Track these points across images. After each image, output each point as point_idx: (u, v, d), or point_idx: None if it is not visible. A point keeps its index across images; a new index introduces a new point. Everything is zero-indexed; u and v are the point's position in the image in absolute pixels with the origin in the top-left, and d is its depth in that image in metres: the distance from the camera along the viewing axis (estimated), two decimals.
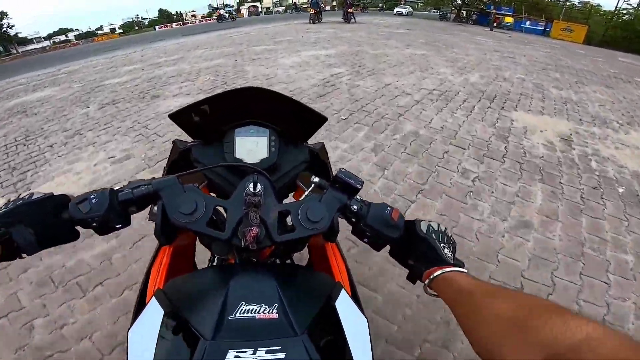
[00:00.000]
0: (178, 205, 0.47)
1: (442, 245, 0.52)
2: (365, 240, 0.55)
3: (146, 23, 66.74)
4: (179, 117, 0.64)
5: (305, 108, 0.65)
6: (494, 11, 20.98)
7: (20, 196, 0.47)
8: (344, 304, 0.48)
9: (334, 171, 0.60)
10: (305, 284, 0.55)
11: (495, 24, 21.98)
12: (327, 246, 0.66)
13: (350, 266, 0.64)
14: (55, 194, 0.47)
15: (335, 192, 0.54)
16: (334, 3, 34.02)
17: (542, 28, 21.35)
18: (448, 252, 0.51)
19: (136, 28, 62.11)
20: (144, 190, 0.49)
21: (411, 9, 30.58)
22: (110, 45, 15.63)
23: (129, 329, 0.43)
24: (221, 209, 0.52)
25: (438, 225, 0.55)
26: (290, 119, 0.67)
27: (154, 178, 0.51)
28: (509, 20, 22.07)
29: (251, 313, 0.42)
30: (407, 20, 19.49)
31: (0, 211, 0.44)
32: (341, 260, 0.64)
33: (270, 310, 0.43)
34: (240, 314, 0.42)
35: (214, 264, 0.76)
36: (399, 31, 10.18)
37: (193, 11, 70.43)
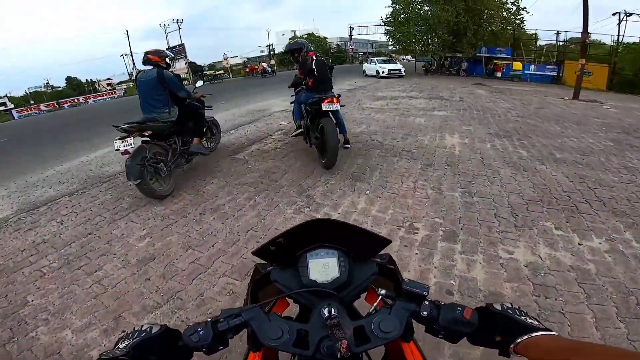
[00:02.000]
0: (266, 332, 0.57)
1: (522, 317, 0.54)
2: (440, 336, 0.60)
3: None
4: (261, 252, 0.73)
5: (368, 233, 0.72)
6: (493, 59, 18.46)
7: (143, 328, 0.58)
8: None
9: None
10: None
11: (496, 72, 19.25)
12: (404, 345, 0.67)
13: None
14: (168, 325, 0.59)
15: (404, 302, 0.60)
16: (272, 62, 31.53)
17: (553, 73, 17.76)
18: (532, 321, 0.52)
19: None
20: (236, 321, 0.59)
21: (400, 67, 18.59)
22: None
23: None
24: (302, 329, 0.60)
25: (511, 304, 0.57)
26: (356, 241, 0.73)
27: (242, 306, 0.63)
28: (518, 66, 17.83)
29: None
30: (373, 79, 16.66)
31: (133, 342, 0.54)
32: (419, 357, 0.65)
33: None
34: None
35: None
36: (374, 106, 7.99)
37: (109, 79, 47.09)
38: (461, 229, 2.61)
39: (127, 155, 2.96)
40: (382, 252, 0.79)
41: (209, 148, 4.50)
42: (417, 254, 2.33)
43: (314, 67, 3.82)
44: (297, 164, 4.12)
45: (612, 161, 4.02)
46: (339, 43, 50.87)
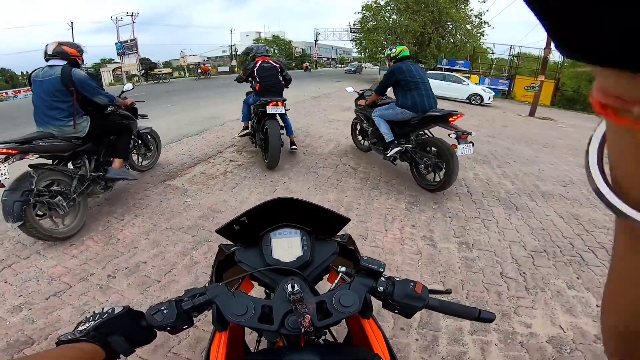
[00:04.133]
0: (231, 309, 0.59)
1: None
2: (396, 311, 0.65)
3: None
4: (224, 231, 0.74)
5: (329, 212, 0.75)
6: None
7: (104, 310, 0.58)
8: None
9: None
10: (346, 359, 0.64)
11: None
12: (364, 323, 0.71)
13: None
14: (130, 307, 0.59)
15: (362, 278, 0.64)
16: (234, 63, 30.04)
17: (504, 88, 18.57)
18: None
19: None
20: (201, 300, 0.60)
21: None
22: None
23: None
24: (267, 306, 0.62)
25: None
26: (318, 220, 0.76)
27: (206, 285, 0.65)
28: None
29: None
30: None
31: (94, 324, 0.55)
32: (379, 333, 0.70)
33: None
34: None
35: (266, 346, 0.83)
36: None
37: None
38: (466, 297, 2.06)
39: (2, 188, 2.10)
40: (342, 232, 0.83)
41: (141, 167, 3.62)
42: (417, 339, 1.74)
43: (255, 72, 3.86)
44: (252, 198, 3.23)
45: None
46: (304, 47, 50.40)
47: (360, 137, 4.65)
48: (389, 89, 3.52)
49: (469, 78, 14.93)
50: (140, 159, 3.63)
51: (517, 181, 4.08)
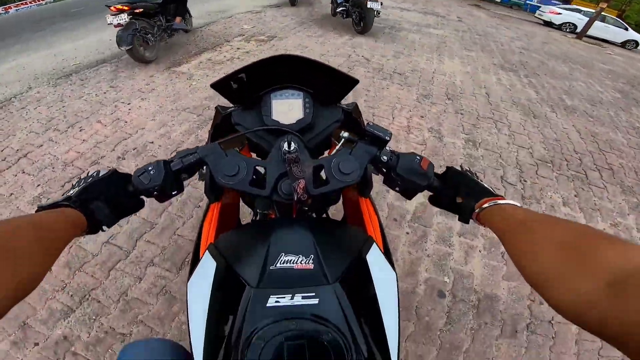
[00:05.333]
0: (222, 169, 0.53)
1: (479, 180, 0.54)
2: (397, 189, 0.58)
3: None
4: (219, 86, 0.65)
5: (337, 72, 0.65)
6: None
7: (89, 174, 0.52)
8: (374, 258, 0.52)
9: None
10: (338, 237, 0.58)
11: None
12: (361, 201, 0.68)
13: None
14: (117, 169, 0.53)
15: (365, 145, 0.57)
16: None
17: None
18: (488, 187, 0.52)
19: None
20: (191, 159, 0.55)
21: None
22: None
23: (187, 280, 0.50)
24: (261, 169, 0.58)
25: (468, 167, 0.57)
26: (324, 82, 0.68)
27: (197, 147, 0.56)
28: None
29: (290, 263, 0.47)
30: None
31: (76, 190, 0.49)
32: (374, 216, 0.66)
33: (307, 261, 0.48)
34: (280, 264, 0.47)
35: (257, 218, 0.80)
36: None
37: None
38: None
39: (120, 28, 3.05)
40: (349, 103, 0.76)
41: (186, 27, 4.36)
42: (407, 232, 1.75)
43: None
44: None
45: (620, 117, 3.52)
46: None
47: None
48: None
49: None
50: (185, 23, 4.37)
51: (542, 91, 3.71)
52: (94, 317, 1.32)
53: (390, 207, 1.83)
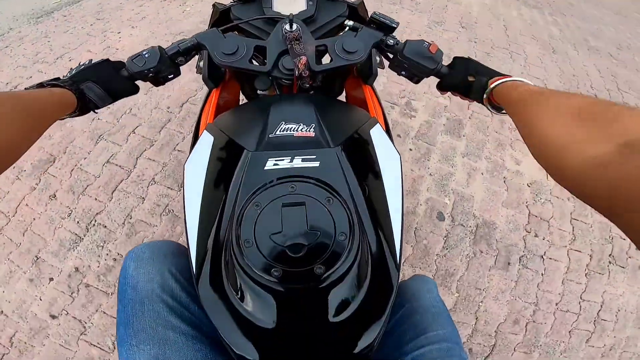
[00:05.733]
0: (221, 49, 0.52)
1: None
2: (403, 73, 0.57)
3: None
4: None
5: None
6: None
7: (81, 63, 0.51)
8: (378, 135, 0.50)
9: None
10: (342, 112, 0.58)
11: None
12: (365, 89, 0.67)
13: None
14: (110, 59, 0.52)
15: (371, 30, 0.56)
16: None
17: None
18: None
19: None
20: (188, 43, 0.54)
21: None
22: None
23: (185, 163, 0.48)
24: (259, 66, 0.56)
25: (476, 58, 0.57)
26: None
27: (195, 35, 0.55)
28: None
29: (290, 131, 0.46)
30: None
31: (69, 75, 0.49)
32: (377, 103, 0.65)
33: (308, 129, 0.46)
34: (280, 131, 0.46)
35: None
36: None
37: None
38: (469, 118, 1.92)
39: None
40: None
41: None
42: (411, 149, 1.70)
43: None
44: None
45: None
46: None
47: None
48: None
49: None
50: None
51: (566, 30, 3.42)
52: (101, 245, 1.34)
53: (394, 123, 1.76)
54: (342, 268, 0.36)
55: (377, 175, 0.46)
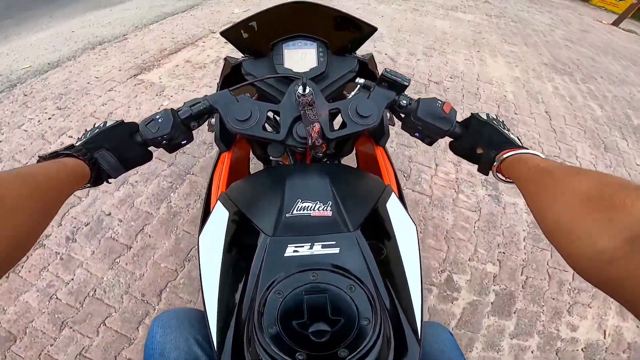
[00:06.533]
0: (234, 114, 0.51)
1: (506, 130, 0.51)
2: (417, 134, 0.56)
3: None
4: (229, 34, 0.64)
5: (353, 19, 0.63)
6: None
7: (95, 125, 0.50)
8: (394, 207, 0.49)
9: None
10: (357, 184, 0.55)
11: None
12: (377, 151, 0.66)
13: None
14: (125, 121, 0.51)
15: (383, 89, 0.55)
16: None
17: None
18: (514, 137, 0.50)
19: None
20: (200, 106, 0.52)
21: None
22: None
23: (198, 235, 0.48)
24: (271, 122, 0.61)
25: (496, 115, 0.54)
26: (339, 30, 0.65)
27: (206, 95, 0.54)
28: None
29: (307, 210, 0.45)
30: None
31: (83, 140, 0.47)
32: (390, 165, 0.65)
33: (325, 208, 0.45)
34: (297, 211, 0.45)
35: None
36: None
37: None
38: (522, 287, 1.51)
39: None
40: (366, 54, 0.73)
41: None
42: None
43: None
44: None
45: None
46: None
47: None
48: None
49: None
50: None
51: (606, 106, 3.04)
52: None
53: (431, 312, 1.29)
54: (365, 349, 0.37)
55: (396, 251, 0.45)
